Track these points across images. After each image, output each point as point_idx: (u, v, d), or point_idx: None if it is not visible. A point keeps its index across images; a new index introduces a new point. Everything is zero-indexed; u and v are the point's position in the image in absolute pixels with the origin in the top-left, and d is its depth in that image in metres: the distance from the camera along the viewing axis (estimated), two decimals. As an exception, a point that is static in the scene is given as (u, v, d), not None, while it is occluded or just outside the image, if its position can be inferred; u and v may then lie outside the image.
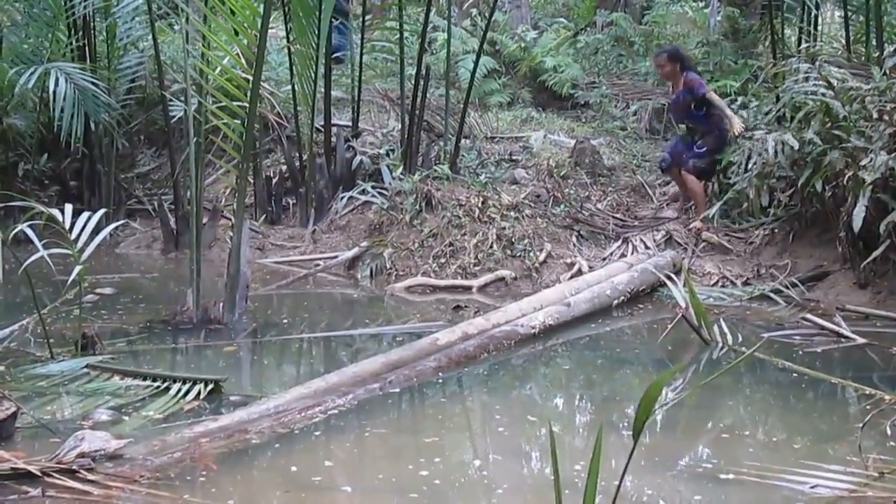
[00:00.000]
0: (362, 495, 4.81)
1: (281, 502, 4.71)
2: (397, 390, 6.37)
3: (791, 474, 4.85)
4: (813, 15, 12.72)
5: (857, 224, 8.45)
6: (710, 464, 5.29)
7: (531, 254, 10.19)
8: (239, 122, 8.28)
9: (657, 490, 4.83)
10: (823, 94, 9.32)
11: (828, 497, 4.62)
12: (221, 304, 8.20)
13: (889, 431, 5.44)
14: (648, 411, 2.98)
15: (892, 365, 7.13)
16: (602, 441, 3.11)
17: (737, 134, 10.44)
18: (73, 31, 12.97)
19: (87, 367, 6.55)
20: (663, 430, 5.81)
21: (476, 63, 12.81)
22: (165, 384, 6.27)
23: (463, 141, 12.76)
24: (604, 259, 10.40)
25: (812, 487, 4.71)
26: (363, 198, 12.02)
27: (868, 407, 5.86)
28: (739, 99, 11.99)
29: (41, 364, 6.68)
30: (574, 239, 10.69)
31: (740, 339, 7.63)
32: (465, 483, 4.96)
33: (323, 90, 12.29)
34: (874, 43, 10.86)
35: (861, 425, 5.31)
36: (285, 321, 8.80)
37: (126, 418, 5.79)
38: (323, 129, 12.62)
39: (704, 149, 10.61)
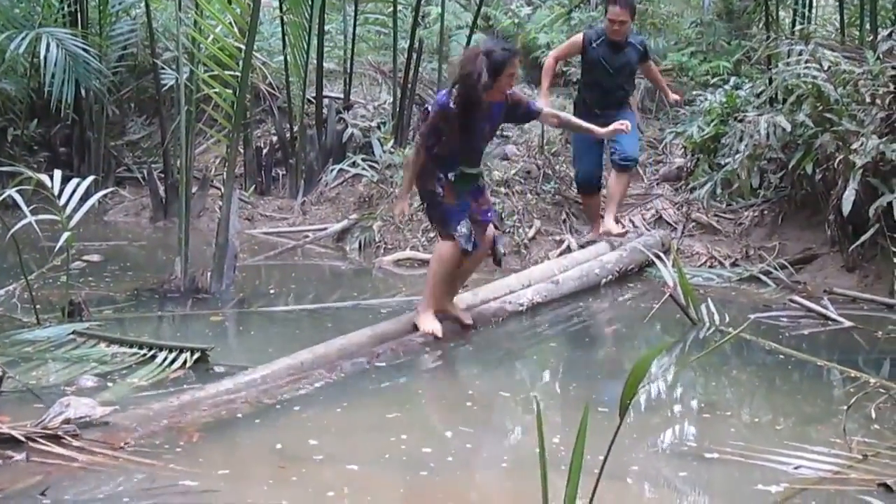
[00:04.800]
0: (349, 467, 4.79)
1: (271, 473, 4.70)
2: (384, 364, 6.35)
3: (775, 455, 4.86)
4: (807, -3, 12.69)
5: (846, 207, 8.47)
6: (694, 442, 5.31)
7: (520, 230, 10.19)
8: (230, 91, 8.24)
9: (642, 467, 4.84)
10: (816, 77, 9.31)
11: (811, 478, 4.63)
12: (209, 274, 8.19)
13: (874, 414, 5.45)
14: (635, 389, 2.98)
15: (878, 348, 7.15)
16: (588, 418, 3.11)
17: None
18: (65, -3, 12.91)
19: (73, 333, 6.53)
20: (649, 409, 5.82)
21: (469, 38, 12.77)
22: (152, 352, 6.26)
23: (455, 116, 12.73)
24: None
25: (796, 468, 4.73)
26: (353, 170, 12.02)
27: (853, 390, 5.88)
28: (732, 80, 11.98)
29: (27, 330, 6.65)
30: (563, 216, 10.69)
31: (727, 319, 7.63)
32: (448, 459, 4.95)
33: (315, 61, 12.26)
34: (868, 26, 10.83)
35: (846, 408, 5.34)
36: (273, 292, 8.79)
37: (112, 385, 5.78)
38: (314, 101, 12.59)
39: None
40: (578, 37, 9.78)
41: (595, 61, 9.51)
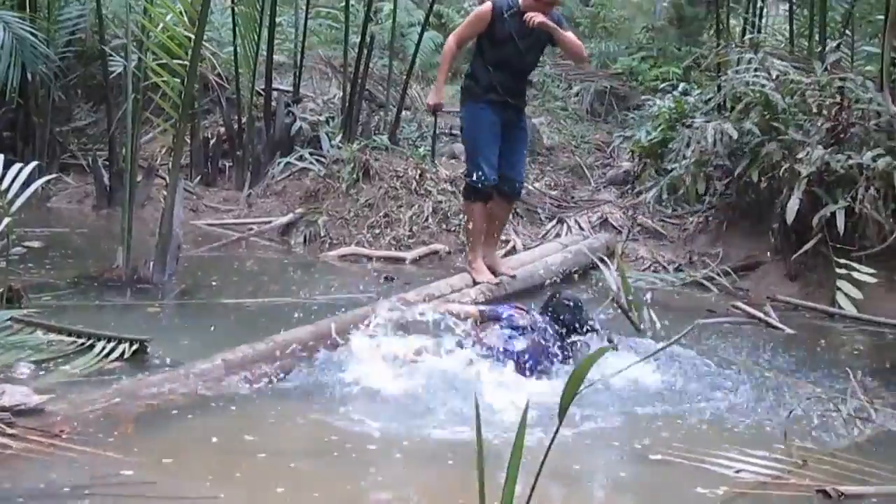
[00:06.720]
0: (291, 464, 4.75)
1: (208, 466, 4.65)
2: (326, 359, 6.29)
3: (717, 458, 4.88)
4: (758, 6, 12.81)
5: (790, 216, 8.54)
6: (638, 444, 5.30)
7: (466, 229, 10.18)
8: (179, 80, 8.16)
9: (584, 467, 4.85)
10: (764, 86, 9.38)
11: (751, 482, 4.65)
12: (151, 264, 8.11)
13: (814, 421, 5.49)
14: (575, 390, 2.96)
15: (819, 356, 7.20)
16: (527, 417, 3.09)
17: None
18: (13, -21, 12.75)
19: (10, 319, 6.41)
20: (592, 411, 5.80)
21: (421, 35, 12.75)
22: (90, 341, 6.17)
23: (404, 113, 12.72)
24: (540, 237, 10.42)
25: (737, 472, 4.74)
26: (300, 164, 11.97)
27: (794, 396, 5.91)
28: (681, 86, 12.05)
29: (-37, 315, 6.55)
30: (510, 216, 10.66)
31: (668, 323, 7.64)
32: (396, 455, 4.93)
33: (265, 54, 12.19)
34: (817, 38, 10.95)
35: (787, 414, 5.37)
36: (215, 284, 8.72)
37: (47, 373, 5.69)
38: (263, 93, 12.52)
39: None
40: (485, 7, 7.83)
41: (507, 36, 7.77)
